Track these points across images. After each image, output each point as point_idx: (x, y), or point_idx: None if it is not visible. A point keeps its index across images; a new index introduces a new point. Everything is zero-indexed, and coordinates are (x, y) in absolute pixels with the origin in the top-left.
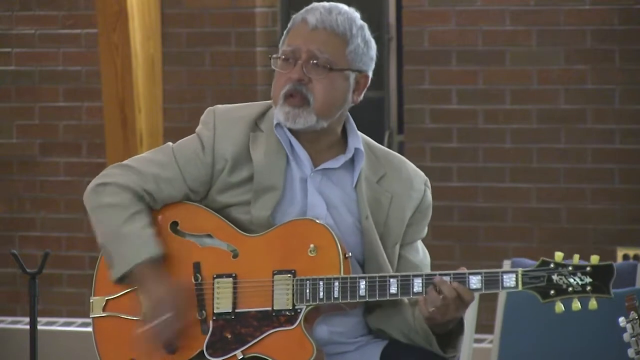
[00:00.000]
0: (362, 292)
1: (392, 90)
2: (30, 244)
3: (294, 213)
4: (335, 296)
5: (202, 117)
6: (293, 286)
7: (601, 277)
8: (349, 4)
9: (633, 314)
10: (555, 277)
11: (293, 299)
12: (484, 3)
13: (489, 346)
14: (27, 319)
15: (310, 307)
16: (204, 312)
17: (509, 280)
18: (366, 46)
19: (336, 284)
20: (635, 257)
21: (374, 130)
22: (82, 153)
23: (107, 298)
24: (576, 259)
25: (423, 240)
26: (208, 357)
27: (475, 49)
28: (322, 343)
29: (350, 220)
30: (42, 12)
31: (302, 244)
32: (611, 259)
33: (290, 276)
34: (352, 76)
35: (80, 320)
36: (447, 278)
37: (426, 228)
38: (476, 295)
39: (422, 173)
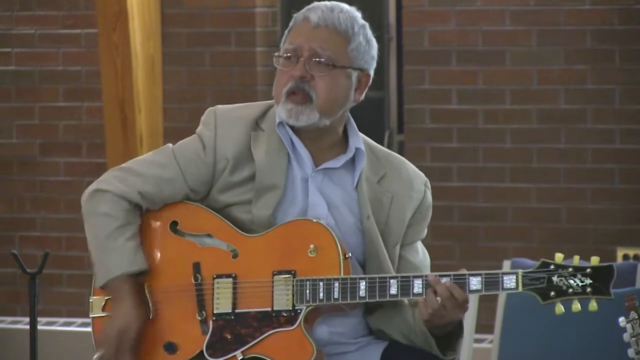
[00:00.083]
0: (362, 292)
1: (392, 90)
2: (30, 244)
3: (295, 212)
4: (335, 297)
5: (202, 118)
6: (293, 287)
7: (601, 279)
8: (349, 4)
9: (633, 314)
10: (555, 279)
11: (293, 300)
12: (484, 3)
13: (489, 346)
14: (27, 319)
15: (310, 307)
16: (203, 312)
17: (509, 281)
18: (368, 45)
19: (336, 284)
20: (635, 257)
21: (374, 130)
22: (82, 153)
23: (106, 298)
24: (576, 260)
25: (423, 241)
26: (208, 357)
27: (475, 49)
28: (322, 343)
29: (352, 220)
30: (42, 12)
31: (302, 244)
32: (611, 259)
33: (290, 276)
34: (354, 74)
35: (80, 320)
36: (447, 279)
37: (426, 229)
38: (476, 296)
39: (422, 174)
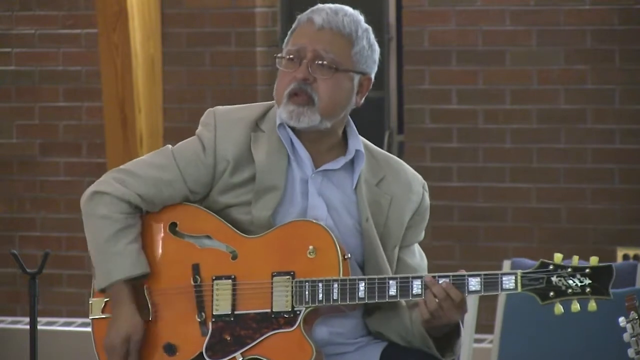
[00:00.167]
0: (361, 293)
1: (392, 90)
2: (30, 244)
3: (294, 214)
4: (335, 298)
5: (202, 119)
6: (292, 288)
7: (600, 279)
8: (349, 4)
9: (633, 314)
10: (554, 279)
11: (292, 301)
12: (484, 3)
13: (489, 346)
14: (27, 319)
15: (309, 309)
16: (203, 313)
17: (508, 282)
18: (371, 49)
19: (335, 285)
20: (635, 257)
21: (374, 130)
22: (82, 153)
23: (106, 300)
24: (575, 260)
25: (422, 242)
26: (207, 359)
27: (475, 49)
28: (321, 344)
29: (350, 222)
30: (42, 12)
31: (301, 245)
32: (611, 259)
33: (289, 278)
34: (356, 78)
35: (80, 320)
36: (445, 280)
37: (424, 231)
38: (476, 296)
39: (420, 176)
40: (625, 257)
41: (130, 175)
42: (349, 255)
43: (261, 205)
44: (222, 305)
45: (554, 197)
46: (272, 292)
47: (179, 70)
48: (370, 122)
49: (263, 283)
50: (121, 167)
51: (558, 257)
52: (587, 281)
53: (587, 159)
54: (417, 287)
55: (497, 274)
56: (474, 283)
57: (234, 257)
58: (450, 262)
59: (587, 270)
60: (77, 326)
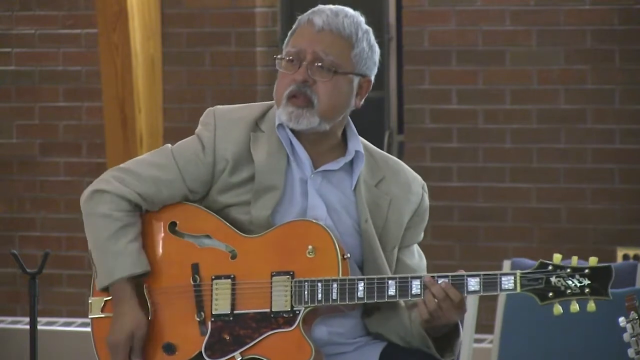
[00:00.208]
0: (360, 293)
1: (392, 90)
2: (30, 244)
3: (294, 214)
4: (334, 298)
5: (201, 118)
6: (291, 288)
7: (600, 279)
8: (349, 5)
9: (633, 314)
10: (553, 279)
11: (291, 301)
12: (484, 3)
13: (489, 346)
14: (27, 319)
15: (308, 308)
16: (202, 313)
17: (508, 282)
18: (371, 50)
19: (334, 285)
20: (635, 257)
21: (374, 130)
22: (82, 153)
23: (105, 299)
24: (574, 260)
25: (423, 241)
26: (206, 358)
27: (475, 49)
28: (321, 344)
29: (349, 223)
30: (42, 12)
31: (300, 245)
32: (611, 259)
33: (288, 277)
34: (356, 80)
35: (80, 320)
36: (444, 280)
37: (423, 232)
38: (476, 297)
39: (419, 177)
40: (625, 257)
41: (129, 174)
42: (349, 255)
43: (260, 205)
44: (221, 304)
45: (554, 197)
46: (271, 292)
47: (179, 70)
48: (370, 122)
49: (262, 283)
50: (120, 165)
51: (557, 257)
52: (586, 282)
53: (587, 159)
54: (416, 287)
55: (496, 274)
56: (473, 283)
57: (234, 257)
58: (450, 262)
59: (586, 271)
60: (77, 326)
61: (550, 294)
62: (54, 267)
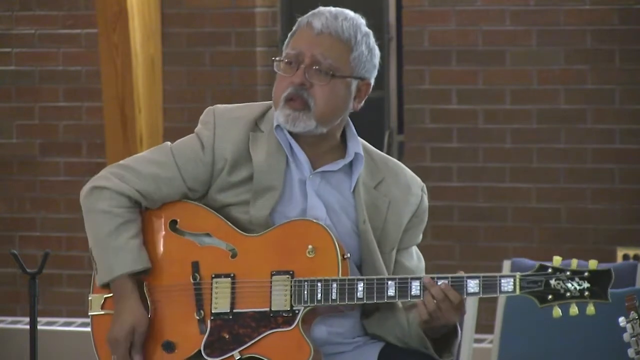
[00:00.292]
0: (359, 294)
1: (392, 90)
2: (30, 244)
3: (292, 214)
4: (333, 297)
5: (201, 117)
6: (291, 287)
7: (599, 282)
8: (349, 5)
9: (633, 314)
10: (553, 282)
11: (291, 300)
12: (484, 3)
13: (489, 346)
14: (27, 319)
15: (307, 308)
16: (202, 311)
17: (507, 284)
18: (370, 53)
19: (334, 285)
20: (635, 257)
21: (374, 130)
22: (82, 153)
23: (105, 296)
24: (574, 263)
25: (423, 241)
26: (205, 357)
27: (475, 49)
28: (320, 343)
29: (348, 224)
30: (42, 12)
31: (300, 244)
32: (611, 259)
33: (288, 277)
34: (354, 83)
35: (80, 320)
36: (444, 282)
37: (422, 234)
38: (475, 298)
39: (418, 179)
40: (625, 257)
41: (128, 171)
42: (349, 255)
43: (259, 205)
44: (221, 303)
45: (554, 197)
46: (271, 291)
47: (179, 70)
48: (370, 122)
49: (262, 282)
50: (120, 162)
51: (557, 260)
52: (586, 285)
53: (587, 159)
54: (415, 288)
55: (495, 276)
56: (473, 285)
57: (234, 256)
58: (450, 262)
59: (586, 274)
60: (77, 326)
61: (550, 296)
62: (54, 267)
